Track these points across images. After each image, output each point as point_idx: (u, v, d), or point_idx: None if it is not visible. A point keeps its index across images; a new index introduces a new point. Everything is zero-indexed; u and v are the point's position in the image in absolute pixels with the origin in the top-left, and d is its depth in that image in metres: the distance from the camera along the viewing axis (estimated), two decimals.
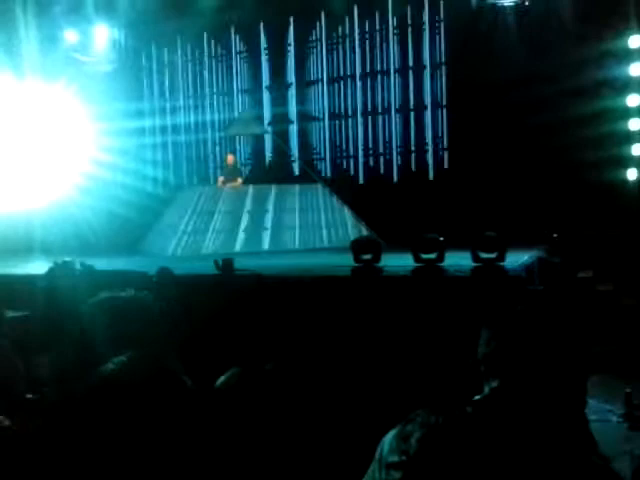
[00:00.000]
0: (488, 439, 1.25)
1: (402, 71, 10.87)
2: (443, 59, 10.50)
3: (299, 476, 1.26)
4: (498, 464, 1.21)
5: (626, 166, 8.82)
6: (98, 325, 1.59)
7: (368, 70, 11.11)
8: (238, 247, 9.30)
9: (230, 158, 10.73)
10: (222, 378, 1.34)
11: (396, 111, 10.93)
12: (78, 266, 5.77)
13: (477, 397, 1.35)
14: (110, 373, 1.26)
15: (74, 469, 1.17)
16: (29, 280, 5.86)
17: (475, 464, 1.21)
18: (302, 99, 11.61)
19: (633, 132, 8.80)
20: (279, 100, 11.76)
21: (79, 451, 1.17)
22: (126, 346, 1.36)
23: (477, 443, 1.24)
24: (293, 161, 11.72)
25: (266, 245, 9.48)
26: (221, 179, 10.53)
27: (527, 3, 9.18)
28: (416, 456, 1.25)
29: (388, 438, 1.36)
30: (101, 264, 6.32)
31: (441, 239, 6.07)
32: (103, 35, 12.03)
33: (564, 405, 1.38)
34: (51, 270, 5.50)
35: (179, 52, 12.49)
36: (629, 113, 8.76)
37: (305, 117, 11.60)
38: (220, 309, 5.04)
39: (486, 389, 1.38)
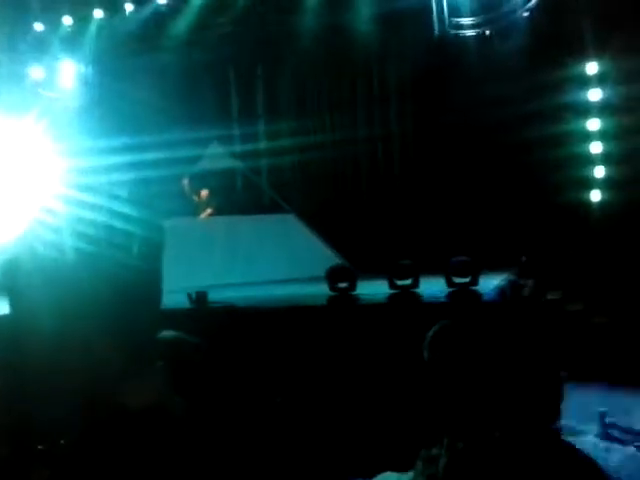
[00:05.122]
0: (505, 464, 1.27)
1: (367, 101, 11.03)
2: (408, 88, 10.71)
3: None
4: None
5: (589, 188, 9.04)
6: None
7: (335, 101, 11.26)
8: (210, 279, 9.17)
9: (204, 193, 10.70)
10: None
11: (363, 140, 11.05)
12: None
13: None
14: None
15: None
16: None
17: None
18: (271, 132, 11.66)
19: (594, 155, 9.04)
20: (248, 133, 11.80)
21: None
22: None
23: (499, 468, 1.26)
24: (263, 192, 11.71)
25: (239, 276, 9.37)
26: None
27: (488, 33, 9.45)
28: None
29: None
30: None
31: (415, 265, 6.13)
32: (70, 71, 11.98)
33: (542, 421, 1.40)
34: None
35: (147, 87, 12.45)
36: (590, 137, 9.01)
37: (275, 151, 11.65)
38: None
39: None
